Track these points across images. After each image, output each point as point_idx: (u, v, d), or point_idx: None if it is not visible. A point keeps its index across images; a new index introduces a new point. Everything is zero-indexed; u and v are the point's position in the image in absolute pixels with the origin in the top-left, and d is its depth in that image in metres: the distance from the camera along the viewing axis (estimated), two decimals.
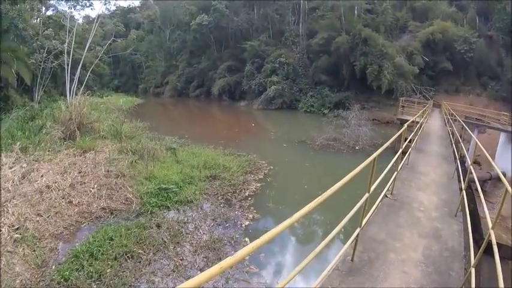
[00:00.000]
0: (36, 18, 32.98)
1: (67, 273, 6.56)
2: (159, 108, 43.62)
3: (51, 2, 36.16)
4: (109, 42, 30.83)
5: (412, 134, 8.63)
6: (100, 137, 15.48)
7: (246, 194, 11.36)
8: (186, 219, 9.11)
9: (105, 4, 24.05)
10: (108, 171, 11.30)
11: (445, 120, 17.83)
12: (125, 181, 10.81)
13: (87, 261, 6.89)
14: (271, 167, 14.52)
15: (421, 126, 11.05)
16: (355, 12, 35.45)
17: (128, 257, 7.16)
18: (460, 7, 36.95)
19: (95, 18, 30.50)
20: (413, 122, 9.80)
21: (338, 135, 19.71)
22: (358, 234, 3.71)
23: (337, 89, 34.79)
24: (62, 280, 6.46)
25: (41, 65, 28.09)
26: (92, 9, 66.15)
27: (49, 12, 35.84)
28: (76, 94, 19.61)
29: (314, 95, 35.64)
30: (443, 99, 27.12)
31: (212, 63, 46.85)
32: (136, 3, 61.39)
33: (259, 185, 12.30)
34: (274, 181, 12.97)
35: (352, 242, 3.67)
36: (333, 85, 35.18)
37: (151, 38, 59.99)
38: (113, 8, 31.12)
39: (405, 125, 6.71)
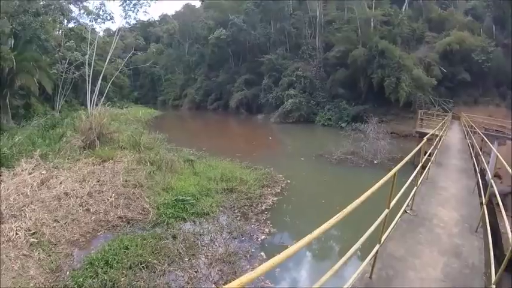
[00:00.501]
0: (59, 30, 34.49)
1: (81, 279, 6.62)
2: (177, 121, 44.21)
3: (73, 14, 37.44)
4: (129, 55, 31.54)
5: (431, 148, 8.48)
6: (119, 147, 15.76)
7: (263, 207, 11.24)
8: (202, 231, 9.07)
9: (125, 18, 24.65)
10: (126, 181, 11.47)
11: (464, 132, 17.46)
12: (142, 191, 10.94)
13: (102, 269, 6.93)
14: (288, 181, 14.36)
15: (440, 140, 10.87)
16: (371, 24, 35.47)
17: (142, 266, 7.16)
18: (476, 16, 36.29)
19: (115, 31, 31.29)
20: (432, 135, 9.66)
21: (356, 149, 19.44)
22: (377, 251, 3.63)
23: (355, 102, 34.53)
24: (75, 286, 6.53)
25: (62, 75, 29.19)
26: (112, 22, 68.24)
27: (71, 25, 37.20)
28: (96, 105, 20.04)
29: (331, 108, 35.49)
30: (462, 111, 26.50)
31: (230, 76, 47.44)
32: (156, 18, 62.66)
33: (276, 198, 12.15)
34: (291, 195, 12.83)
35: (370, 259, 3.59)
36: (351, 98, 34.98)
37: (171, 51, 61.32)
38: (133, 21, 31.89)
39: (425, 139, 6.60)
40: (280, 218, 10.67)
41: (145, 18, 48.50)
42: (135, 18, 26.77)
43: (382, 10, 35.93)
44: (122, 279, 6.72)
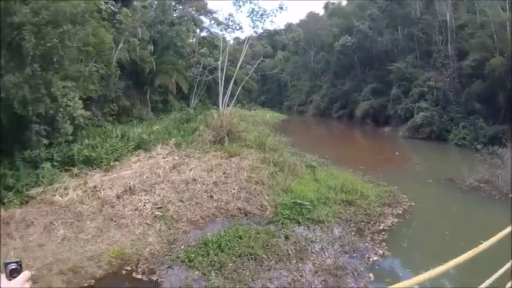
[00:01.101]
0: (192, 38, 38.86)
1: (193, 255, 7.27)
2: (302, 126, 44.89)
3: (205, 25, 41.57)
4: (258, 62, 33.24)
5: None
6: (246, 146, 16.77)
7: (381, 227, 10.43)
8: (314, 238, 8.96)
9: (253, 28, 26.13)
10: (249, 177, 12.15)
11: None
12: (263, 189, 11.40)
13: (214, 250, 7.46)
14: (412, 203, 12.90)
15: None
16: (507, 29, 29.87)
17: (251, 257, 7.44)
18: None
19: (244, 39, 33.32)
20: None
21: (491, 177, 15.87)
22: None
23: (493, 120, 28.76)
24: (186, 260, 7.21)
25: (197, 78, 32.83)
26: (241, 31, 72.71)
27: (203, 34, 41.70)
28: (227, 105, 21.66)
29: (466, 126, 30.36)
30: None
31: (356, 84, 45.82)
32: (282, 26, 64.87)
33: (396, 220, 11.13)
34: (413, 219, 11.62)
35: None
36: (488, 115, 29.32)
37: (297, 58, 63.00)
38: (260, 31, 33.78)
39: None
40: (397, 241, 9.86)
41: (271, 28, 50.54)
42: (262, 28, 28.25)
43: None
44: (230, 264, 7.09)
